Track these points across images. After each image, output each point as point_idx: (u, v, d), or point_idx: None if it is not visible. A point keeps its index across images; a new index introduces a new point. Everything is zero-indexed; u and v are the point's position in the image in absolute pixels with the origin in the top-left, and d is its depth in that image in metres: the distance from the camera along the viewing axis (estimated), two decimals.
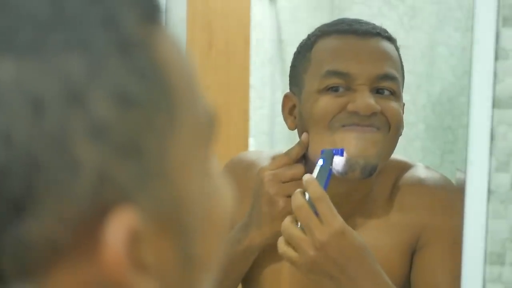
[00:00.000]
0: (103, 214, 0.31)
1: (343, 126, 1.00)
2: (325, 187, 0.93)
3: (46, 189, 0.30)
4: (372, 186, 1.09)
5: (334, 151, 0.96)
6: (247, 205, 1.12)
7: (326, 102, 1.01)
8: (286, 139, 2.86)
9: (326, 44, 1.06)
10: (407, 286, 1.10)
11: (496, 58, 0.96)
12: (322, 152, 0.97)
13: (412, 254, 1.09)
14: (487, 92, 0.96)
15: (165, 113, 0.34)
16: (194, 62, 0.38)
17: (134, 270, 0.32)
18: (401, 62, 1.10)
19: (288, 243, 0.93)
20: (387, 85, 1.02)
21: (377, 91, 1.02)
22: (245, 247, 1.06)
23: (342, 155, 0.97)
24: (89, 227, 0.31)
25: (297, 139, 1.09)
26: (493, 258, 0.98)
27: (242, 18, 2.38)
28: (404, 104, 1.08)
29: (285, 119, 1.11)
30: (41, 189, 0.30)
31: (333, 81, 1.01)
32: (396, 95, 1.03)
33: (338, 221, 0.91)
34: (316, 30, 1.11)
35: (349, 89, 1.01)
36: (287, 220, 0.93)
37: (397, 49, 1.10)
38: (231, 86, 2.36)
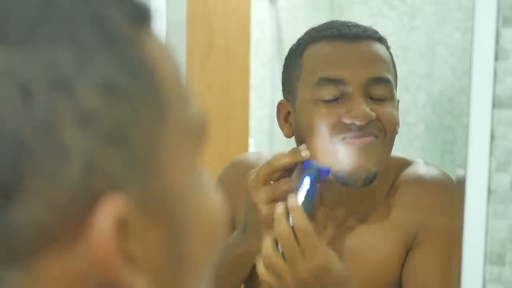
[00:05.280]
0: (92, 201, 0.32)
1: (344, 138, 0.99)
2: (308, 208, 0.92)
3: (34, 175, 0.30)
4: (374, 193, 1.09)
5: (320, 171, 0.94)
6: (230, 204, 1.13)
7: (322, 114, 1.00)
8: (286, 139, 2.86)
9: (316, 50, 1.05)
10: None
11: (496, 58, 0.96)
12: (306, 166, 0.95)
13: (407, 249, 1.08)
14: (487, 92, 0.96)
15: (153, 107, 0.34)
16: (181, 67, 0.38)
17: (122, 261, 0.32)
18: (393, 61, 1.09)
19: (267, 267, 0.92)
20: (380, 88, 1.02)
21: (371, 97, 1.01)
22: (243, 252, 1.06)
23: (328, 174, 0.95)
24: (78, 215, 0.32)
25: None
26: (493, 258, 0.98)
27: (242, 18, 2.38)
28: (398, 101, 1.09)
29: (281, 127, 1.10)
30: (29, 175, 0.30)
31: (327, 90, 1.00)
32: (389, 98, 1.03)
33: (319, 257, 0.90)
34: (305, 35, 1.09)
35: (343, 96, 1.00)
36: (268, 244, 0.91)
37: (387, 48, 1.08)
38: (231, 86, 2.35)
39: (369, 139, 0.99)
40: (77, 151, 0.31)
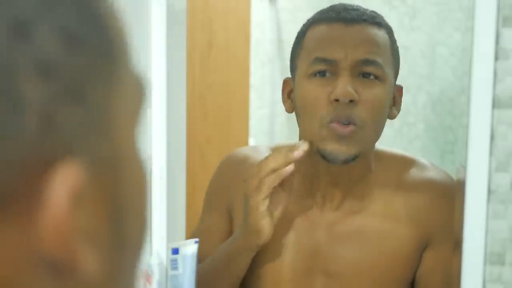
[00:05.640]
0: (46, 165, 0.29)
1: (330, 121, 1.05)
2: None
3: None
4: (365, 173, 1.15)
5: None
6: (229, 199, 1.20)
7: (313, 90, 1.07)
8: (286, 139, 2.86)
9: (315, 31, 1.11)
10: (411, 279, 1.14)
11: (496, 58, 0.96)
12: None
13: (420, 250, 1.13)
14: (487, 92, 0.96)
15: (109, 62, 0.32)
16: (129, 30, 0.36)
17: (75, 236, 0.29)
18: (393, 47, 1.15)
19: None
20: (370, 70, 1.07)
21: (363, 75, 1.07)
22: (239, 246, 1.10)
23: None
24: (30, 179, 0.29)
25: (297, 137, 1.13)
26: (493, 258, 0.98)
27: (242, 18, 2.38)
28: (401, 87, 1.17)
29: (284, 103, 1.17)
30: None
31: (319, 69, 1.07)
32: (380, 79, 1.08)
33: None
34: (311, 17, 1.16)
35: (334, 73, 1.06)
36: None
37: (389, 34, 1.15)
38: (231, 86, 2.36)
39: (351, 128, 1.05)
40: (34, 103, 0.28)
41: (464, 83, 2.85)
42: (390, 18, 2.97)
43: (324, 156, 1.06)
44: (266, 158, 1.05)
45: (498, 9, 0.96)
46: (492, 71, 0.96)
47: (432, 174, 1.16)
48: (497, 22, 0.96)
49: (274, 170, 1.03)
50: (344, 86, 1.04)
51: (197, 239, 1.08)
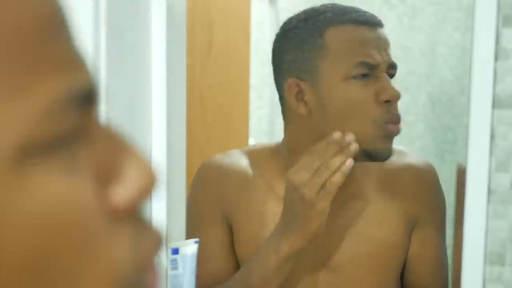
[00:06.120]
0: None
1: (386, 122, 1.07)
2: None
3: None
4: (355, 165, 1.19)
5: None
6: (225, 207, 1.17)
7: (360, 93, 1.08)
8: None
9: (344, 33, 1.10)
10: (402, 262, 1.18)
11: (496, 58, 0.96)
12: None
13: (410, 233, 1.18)
14: (487, 92, 0.96)
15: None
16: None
17: None
18: None
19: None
20: (393, 72, 1.12)
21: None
22: (286, 255, 1.05)
23: None
24: None
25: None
26: (493, 258, 0.98)
27: (242, 18, 2.38)
28: None
29: (295, 106, 1.12)
30: None
31: (364, 70, 1.08)
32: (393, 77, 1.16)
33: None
34: (319, 15, 1.12)
35: (372, 75, 1.09)
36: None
37: None
38: (231, 86, 2.36)
39: (401, 126, 1.09)
40: None
41: (464, 83, 2.85)
42: (390, 18, 2.94)
43: (371, 155, 1.08)
44: (314, 155, 1.03)
45: (498, 9, 0.96)
46: (492, 71, 0.96)
47: (411, 159, 1.21)
48: (497, 22, 0.96)
49: (336, 169, 1.02)
50: (392, 87, 1.08)
51: (197, 239, 1.08)
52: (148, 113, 1.11)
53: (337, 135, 1.02)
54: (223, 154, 1.25)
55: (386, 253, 1.15)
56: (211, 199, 1.20)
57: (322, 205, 1.01)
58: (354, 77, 1.08)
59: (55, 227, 0.27)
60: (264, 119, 2.90)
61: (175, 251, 1.07)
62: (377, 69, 1.09)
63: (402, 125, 1.10)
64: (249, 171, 1.20)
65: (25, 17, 0.27)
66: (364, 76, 1.08)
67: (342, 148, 1.02)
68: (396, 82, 2.93)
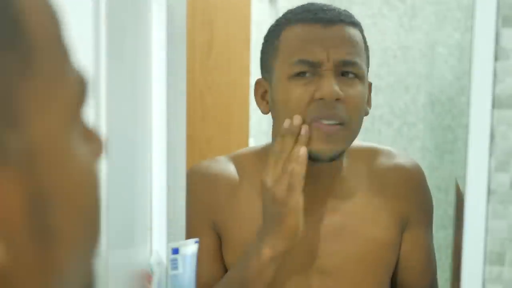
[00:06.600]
0: None
1: (314, 121, 1.06)
2: None
3: None
4: (341, 168, 1.17)
5: None
6: (214, 215, 1.18)
7: (296, 91, 1.08)
8: None
9: (293, 33, 1.12)
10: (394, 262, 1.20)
11: (496, 58, 0.96)
12: None
13: (401, 234, 1.19)
14: (487, 92, 0.96)
15: (16, 52, 0.32)
16: (64, 24, 0.35)
17: None
18: (365, 44, 1.16)
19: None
20: (350, 69, 1.09)
21: (342, 74, 1.09)
22: (268, 258, 1.05)
23: None
24: None
25: None
26: (493, 258, 0.98)
27: (242, 18, 2.38)
28: (371, 84, 1.17)
29: (258, 104, 1.19)
30: None
31: (302, 68, 1.08)
32: (359, 77, 1.11)
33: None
34: (282, 17, 1.16)
35: (315, 74, 1.08)
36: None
37: (361, 32, 1.15)
38: (231, 86, 2.35)
39: (335, 128, 1.07)
40: None
41: (463, 83, 2.85)
42: (390, 18, 2.96)
43: (310, 156, 1.07)
44: (277, 152, 1.05)
45: (498, 9, 0.95)
46: (492, 71, 0.96)
47: (399, 160, 1.22)
48: (497, 22, 0.96)
49: (293, 160, 1.03)
50: (330, 85, 1.06)
51: (197, 239, 1.08)
52: (148, 113, 1.11)
53: (286, 123, 1.04)
54: (210, 161, 1.27)
55: (379, 253, 1.16)
56: (198, 208, 1.21)
57: (293, 200, 1.02)
58: (296, 75, 1.08)
59: None
60: (264, 119, 2.89)
61: (175, 251, 1.07)
62: (320, 67, 1.07)
63: (338, 125, 1.08)
64: (236, 177, 1.21)
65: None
66: (306, 74, 1.08)
67: (295, 136, 1.03)
68: (396, 82, 2.93)
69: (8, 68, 0.31)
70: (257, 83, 1.18)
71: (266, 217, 1.06)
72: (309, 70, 1.08)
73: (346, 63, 1.09)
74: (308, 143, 1.06)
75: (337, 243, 1.15)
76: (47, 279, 0.33)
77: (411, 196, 1.20)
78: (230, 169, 1.22)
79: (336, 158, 1.10)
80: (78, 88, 0.36)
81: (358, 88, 1.10)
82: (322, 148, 1.07)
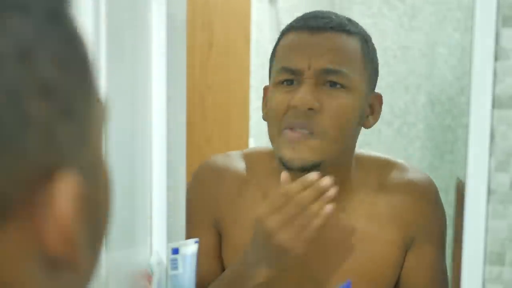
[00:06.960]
0: (49, 175, 0.32)
1: (284, 128, 1.05)
2: None
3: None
4: (347, 179, 1.12)
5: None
6: (217, 212, 1.16)
7: (277, 98, 1.07)
8: None
9: (286, 40, 1.12)
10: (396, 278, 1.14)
11: (496, 58, 0.96)
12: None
13: (405, 251, 1.14)
14: (487, 92, 0.96)
15: (90, 82, 0.36)
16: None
17: (79, 238, 0.33)
18: (366, 54, 1.11)
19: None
20: (333, 78, 1.05)
21: (330, 84, 1.05)
22: (264, 277, 1.03)
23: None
24: (35, 188, 0.32)
25: None
26: (493, 258, 0.98)
27: (242, 18, 2.38)
28: (380, 96, 1.13)
29: (262, 110, 1.17)
30: None
31: (285, 76, 1.07)
32: (347, 87, 1.06)
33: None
34: (288, 24, 1.16)
35: (299, 82, 1.06)
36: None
37: (361, 41, 1.11)
38: (231, 86, 2.35)
39: (301, 135, 1.03)
40: (37, 121, 0.31)
41: (464, 83, 2.85)
42: (390, 18, 2.96)
43: (284, 164, 1.05)
44: (295, 202, 0.97)
45: (498, 9, 0.95)
46: (492, 71, 0.96)
47: (411, 176, 1.16)
48: (497, 22, 0.96)
49: (314, 215, 0.96)
50: (303, 94, 1.03)
51: (197, 239, 1.08)
52: (148, 113, 1.11)
53: (313, 175, 0.97)
54: (222, 155, 1.25)
55: (378, 271, 1.11)
56: (203, 203, 1.20)
57: (300, 250, 0.97)
58: (281, 83, 1.08)
59: None
60: None
61: (175, 251, 1.07)
62: (301, 75, 1.05)
63: (306, 134, 1.04)
64: (245, 175, 1.19)
65: None
66: (290, 81, 1.07)
67: (319, 192, 0.96)
68: (396, 82, 2.93)
69: (89, 96, 0.36)
70: (264, 89, 1.19)
71: (259, 253, 1.01)
72: (293, 78, 1.07)
73: (328, 71, 1.05)
74: (278, 150, 1.06)
75: (335, 259, 1.11)
76: (93, 275, 0.38)
77: (419, 215, 1.14)
78: (240, 165, 1.21)
79: (308, 168, 1.03)
80: (104, 106, 0.40)
81: (341, 99, 1.05)
82: (288, 155, 1.04)
